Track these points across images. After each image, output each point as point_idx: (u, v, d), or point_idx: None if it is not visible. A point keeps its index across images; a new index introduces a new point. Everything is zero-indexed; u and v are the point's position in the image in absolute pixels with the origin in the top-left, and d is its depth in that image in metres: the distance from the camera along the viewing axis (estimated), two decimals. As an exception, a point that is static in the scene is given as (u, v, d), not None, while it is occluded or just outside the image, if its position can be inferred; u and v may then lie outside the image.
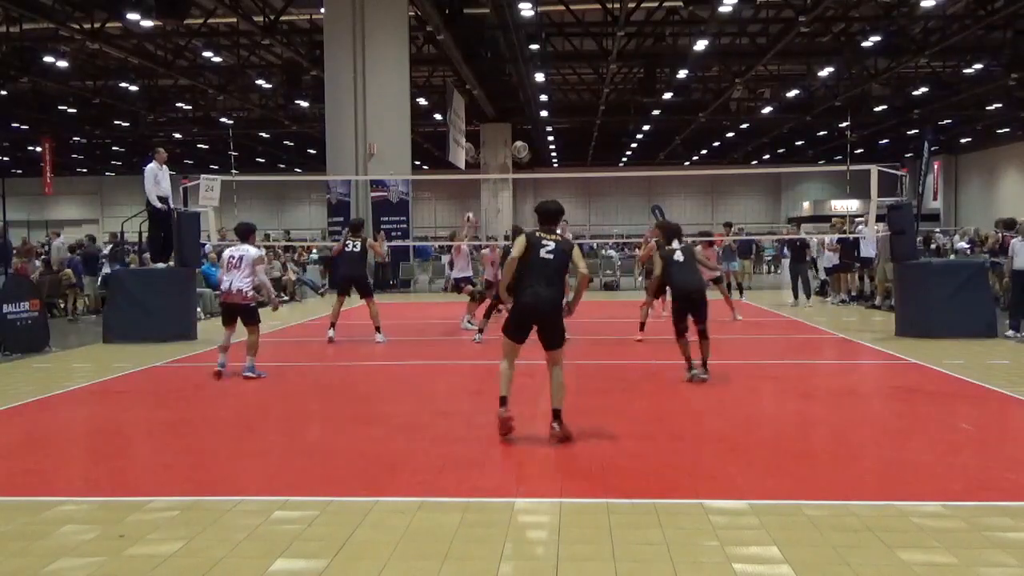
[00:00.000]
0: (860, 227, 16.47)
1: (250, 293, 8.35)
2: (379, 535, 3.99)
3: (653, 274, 12.20)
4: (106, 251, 18.09)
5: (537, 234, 5.93)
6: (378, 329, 11.24)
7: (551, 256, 5.80)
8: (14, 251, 21.43)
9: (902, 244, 11.80)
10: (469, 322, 12.74)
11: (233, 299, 8.34)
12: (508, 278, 5.93)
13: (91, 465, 5.59)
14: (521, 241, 5.93)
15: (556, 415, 5.79)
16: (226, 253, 8.64)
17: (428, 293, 22.24)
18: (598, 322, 13.55)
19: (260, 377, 8.44)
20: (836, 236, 17.00)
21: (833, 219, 21.68)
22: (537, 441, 5.80)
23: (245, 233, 8.76)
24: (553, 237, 5.91)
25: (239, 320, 8.49)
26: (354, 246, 11.35)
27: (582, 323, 13.22)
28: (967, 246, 21.25)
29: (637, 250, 21.26)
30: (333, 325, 11.41)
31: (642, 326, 11.37)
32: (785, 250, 21.69)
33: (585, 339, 11.48)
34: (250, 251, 8.46)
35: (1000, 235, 16.37)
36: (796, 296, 16.62)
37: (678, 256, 8.23)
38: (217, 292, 8.85)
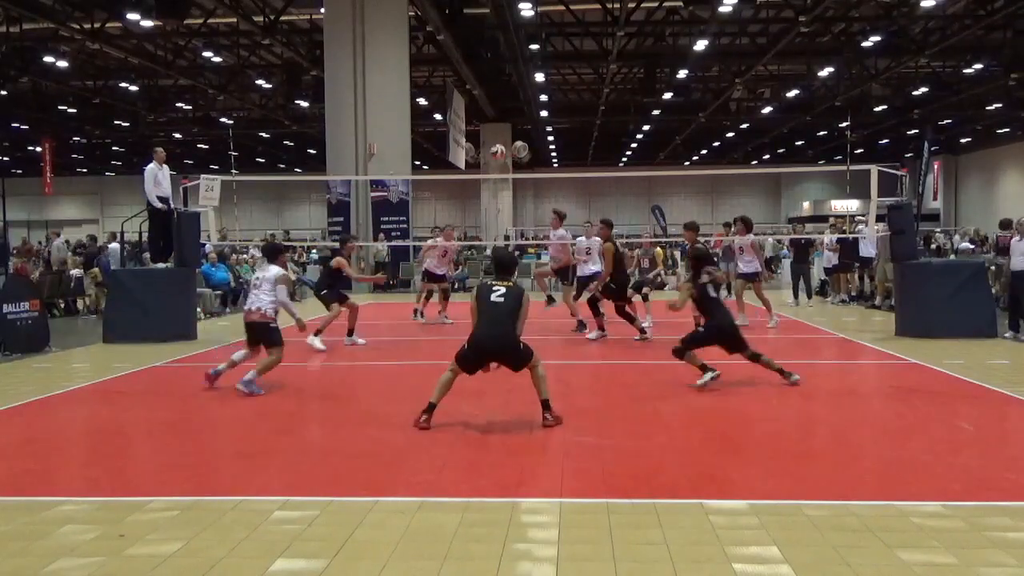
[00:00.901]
0: (860, 227, 16.45)
1: (269, 311, 7.92)
2: (379, 535, 3.99)
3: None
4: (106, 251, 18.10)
5: (489, 283, 6.49)
6: (317, 332, 10.65)
7: (501, 299, 6.27)
8: (13, 251, 21.46)
9: (902, 244, 11.79)
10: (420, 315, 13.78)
11: (252, 317, 7.93)
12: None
13: (91, 465, 5.59)
14: (474, 293, 6.52)
15: (545, 405, 6.19)
16: (255, 275, 8.37)
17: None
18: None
19: (252, 394, 7.56)
20: (836, 236, 16.99)
21: (830, 219, 21.68)
22: (537, 441, 5.81)
23: (273, 253, 8.50)
24: (505, 284, 6.40)
25: (261, 344, 7.99)
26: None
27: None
28: (971, 247, 21.19)
29: (635, 250, 21.18)
30: (351, 331, 11.11)
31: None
32: (786, 250, 21.63)
33: (585, 338, 11.47)
34: (272, 269, 8.14)
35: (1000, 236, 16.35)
36: (796, 296, 16.61)
37: (711, 292, 7.80)
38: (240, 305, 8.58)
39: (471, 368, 6.27)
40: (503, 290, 6.29)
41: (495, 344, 6.17)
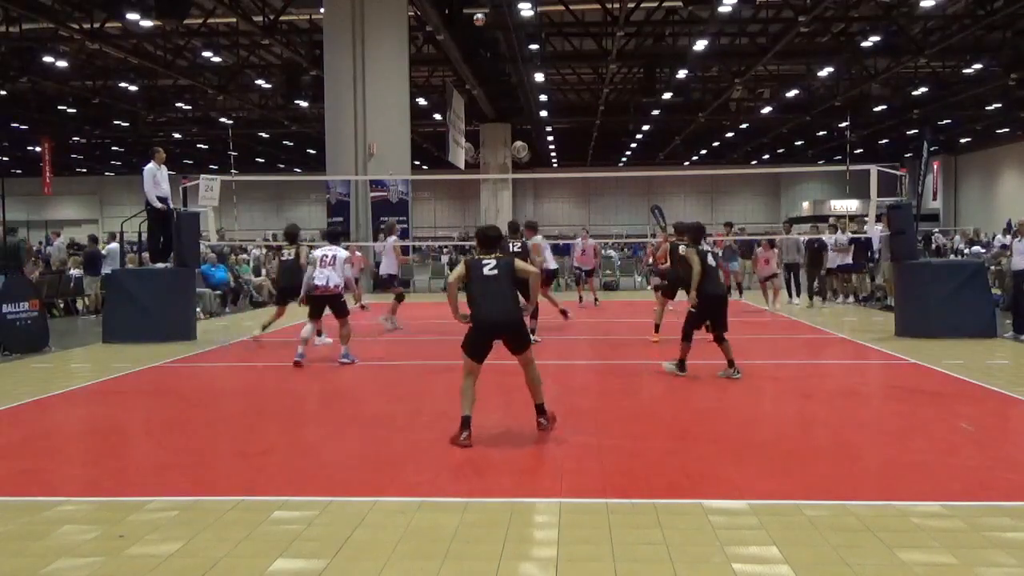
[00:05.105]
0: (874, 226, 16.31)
1: (340, 286, 9.35)
2: (379, 535, 3.99)
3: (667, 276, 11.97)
4: (104, 252, 18.06)
5: (478, 258, 6.11)
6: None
7: (495, 272, 5.96)
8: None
9: (902, 244, 11.79)
10: (388, 319, 13.08)
11: (327, 292, 9.23)
12: (453, 303, 6.11)
13: (91, 465, 5.58)
14: (460, 268, 6.18)
15: (540, 410, 6.02)
16: (318, 252, 9.42)
17: (428, 293, 22.25)
18: (598, 321, 13.56)
19: (353, 363, 9.31)
20: (848, 236, 16.69)
21: (830, 218, 21.60)
22: (537, 441, 5.81)
23: (335, 236, 9.99)
24: (493, 256, 6.07)
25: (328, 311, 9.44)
26: (289, 255, 10.88)
27: (584, 322, 13.22)
28: (983, 250, 21.00)
29: (641, 251, 21.12)
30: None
31: (657, 327, 11.06)
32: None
33: (586, 339, 11.48)
34: (340, 252, 9.44)
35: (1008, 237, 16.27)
36: (790, 296, 16.57)
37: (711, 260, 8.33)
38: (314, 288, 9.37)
39: (482, 354, 5.94)
40: (493, 263, 6.00)
41: (501, 319, 5.89)
